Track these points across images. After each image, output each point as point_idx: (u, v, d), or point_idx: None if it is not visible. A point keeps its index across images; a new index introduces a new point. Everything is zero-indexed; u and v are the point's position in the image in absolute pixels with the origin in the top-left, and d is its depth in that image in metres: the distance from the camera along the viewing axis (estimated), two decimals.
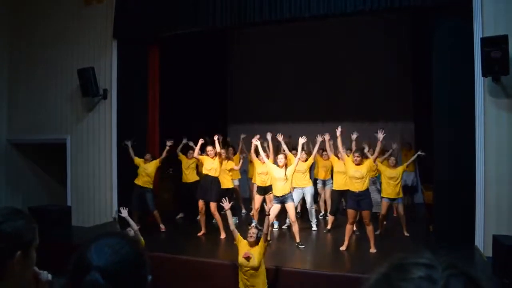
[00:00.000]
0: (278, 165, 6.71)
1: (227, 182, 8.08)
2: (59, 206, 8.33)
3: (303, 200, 7.99)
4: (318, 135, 7.20)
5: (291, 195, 6.72)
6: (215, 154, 7.30)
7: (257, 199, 7.55)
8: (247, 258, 4.85)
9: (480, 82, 6.19)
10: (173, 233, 7.91)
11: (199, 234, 7.39)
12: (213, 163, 7.29)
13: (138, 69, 8.56)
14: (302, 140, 6.81)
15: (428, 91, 7.53)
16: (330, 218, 7.74)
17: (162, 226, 7.86)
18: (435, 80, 6.75)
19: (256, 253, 4.87)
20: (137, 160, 7.96)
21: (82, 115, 8.95)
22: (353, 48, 10.94)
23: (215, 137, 7.34)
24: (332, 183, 8.03)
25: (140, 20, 8.17)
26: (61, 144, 9.12)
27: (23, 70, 9.50)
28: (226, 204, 5.33)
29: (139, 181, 7.86)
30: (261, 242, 4.91)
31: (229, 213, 5.41)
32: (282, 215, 7.48)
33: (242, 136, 9.00)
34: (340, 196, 7.48)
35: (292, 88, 11.72)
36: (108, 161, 8.64)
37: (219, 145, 7.34)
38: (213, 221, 7.89)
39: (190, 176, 8.63)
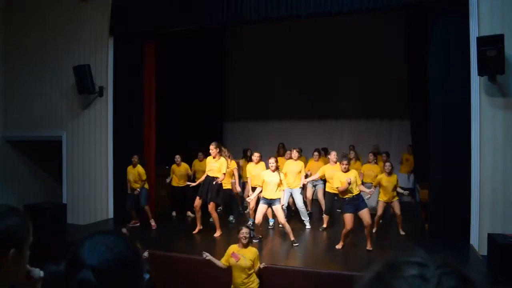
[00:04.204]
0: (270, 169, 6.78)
1: (227, 182, 8.01)
2: (54, 204, 8.31)
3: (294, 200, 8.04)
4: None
5: (279, 199, 6.73)
6: (217, 154, 7.23)
7: (253, 199, 7.59)
8: (237, 259, 4.85)
9: (476, 81, 6.21)
10: (168, 230, 7.90)
11: (195, 231, 7.39)
12: (214, 164, 7.22)
13: (135, 66, 8.53)
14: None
15: (424, 89, 7.55)
16: (325, 218, 7.76)
17: (152, 223, 7.80)
18: (431, 78, 6.77)
19: (248, 254, 4.86)
20: (128, 171, 7.92)
21: (78, 112, 8.92)
22: (350, 47, 10.96)
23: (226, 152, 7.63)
24: (322, 183, 8.11)
25: (137, 17, 8.15)
26: (56, 141, 9.09)
27: (19, 67, 9.45)
28: (206, 255, 5.06)
29: (134, 186, 7.85)
30: (257, 260, 4.91)
31: (213, 259, 5.07)
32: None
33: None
34: (333, 196, 7.50)
35: (289, 86, 11.73)
36: (104, 158, 8.62)
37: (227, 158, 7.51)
38: (210, 220, 7.90)
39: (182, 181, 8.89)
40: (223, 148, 7.90)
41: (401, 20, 10.14)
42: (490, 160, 6.14)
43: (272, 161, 6.76)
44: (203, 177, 7.39)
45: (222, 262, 4.95)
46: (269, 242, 6.96)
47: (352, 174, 6.30)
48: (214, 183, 7.13)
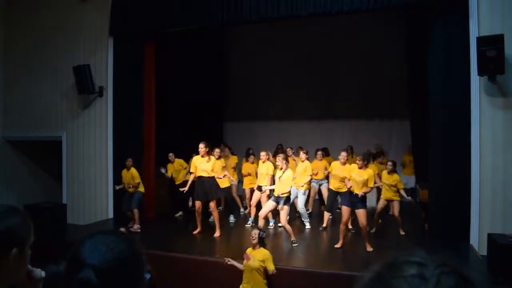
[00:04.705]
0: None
1: (223, 181, 7.98)
2: (54, 204, 8.30)
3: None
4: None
5: (286, 199, 6.75)
6: (207, 153, 7.22)
7: (255, 195, 7.64)
8: (247, 259, 4.89)
9: (476, 81, 6.21)
10: (168, 230, 7.90)
11: (195, 232, 7.38)
12: (207, 164, 7.23)
13: (134, 66, 8.54)
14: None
15: (424, 89, 7.55)
16: (325, 215, 7.77)
17: (137, 226, 7.63)
18: (431, 78, 6.78)
19: (258, 255, 4.89)
20: (122, 174, 7.83)
21: (78, 112, 8.92)
22: (350, 47, 10.96)
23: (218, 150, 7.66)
24: (327, 182, 8.12)
25: (137, 17, 8.16)
26: (56, 141, 9.09)
27: (19, 67, 9.46)
28: (228, 260, 5.16)
29: (129, 190, 7.80)
30: (269, 262, 4.91)
31: (234, 262, 5.15)
32: (279, 214, 7.50)
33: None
34: (335, 194, 7.51)
35: (289, 86, 11.73)
36: (104, 158, 8.62)
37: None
38: (210, 220, 7.89)
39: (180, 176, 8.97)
40: (219, 149, 7.95)
41: (401, 20, 10.14)
42: (490, 160, 6.14)
43: (278, 159, 6.87)
44: (191, 179, 7.34)
45: (242, 264, 5.06)
46: (269, 243, 6.93)
47: (366, 175, 6.32)
48: (221, 176, 7.23)
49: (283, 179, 6.72)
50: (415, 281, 0.65)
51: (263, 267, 4.87)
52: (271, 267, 4.89)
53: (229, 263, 5.11)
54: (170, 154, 8.91)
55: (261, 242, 5.06)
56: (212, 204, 7.17)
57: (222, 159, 8.27)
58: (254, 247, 5.02)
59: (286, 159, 6.94)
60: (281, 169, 6.79)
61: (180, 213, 9.00)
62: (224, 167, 7.99)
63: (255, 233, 5.03)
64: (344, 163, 7.31)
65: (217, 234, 7.20)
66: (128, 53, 8.52)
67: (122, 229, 7.39)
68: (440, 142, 6.56)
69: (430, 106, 6.83)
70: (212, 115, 12.06)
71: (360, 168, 6.37)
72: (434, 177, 6.72)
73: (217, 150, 7.89)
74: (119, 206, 8.04)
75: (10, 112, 9.56)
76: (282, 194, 6.67)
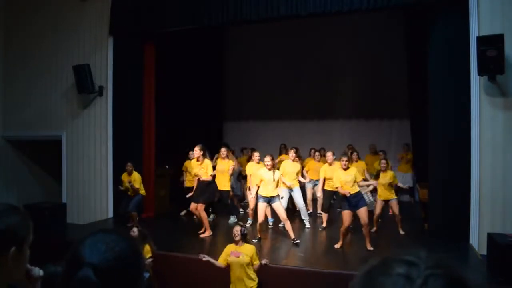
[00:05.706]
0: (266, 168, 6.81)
1: (223, 184, 7.91)
2: (54, 204, 8.30)
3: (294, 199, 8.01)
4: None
5: (278, 196, 6.74)
6: (201, 157, 7.22)
7: (253, 199, 7.59)
8: (237, 255, 4.88)
9: (476, 81, 6.21)
10: (168, 230, 7.90)
11: (201, 232, 7.37)
12: (199, 169, 7.21)
13: (134, 66, 8.54)
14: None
15: (424, 89, 7.55)
16: (324, 216, 7.75)
17: (135, 230, 7.62)
18: (431, 78, 6.77)
19: (245, 250, 4.89)
20: (123, 178, 7.81)
21: (77, 112, 8.91)
22: (350, 47, 10.96)
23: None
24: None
25: (136, 16, 8.16)
26: (56, 141, 9.09)
27: (18, 66, 9.45)
28: (203, 256, 5.09)
29: (129, 192, 7.79)
30: (255, 256, 4.91)
31: (211, 259, 5.06)
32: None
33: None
34: (331, 194, 7.50)
35: (288, 86, 11.73)
36: (103, 158, 8.61)
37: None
38: (209, 219, 7.87)
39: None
40: (225, 148, 7.94)
41: (401, 20, 10.14)
42: (489, 160, 6.14)
43: (267, 159, 6.76)
44: (196, 182, 7.39)
45: (220, 262, 4.99)
46: (269, 242, 6.95)
47: (352, 172, 6.30)
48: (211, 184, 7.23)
49: (272, 179, 6.67)
50: (400, 280, 0.64)
51: (251, 261, 4.88)
52: (257, 261, 4.91)
53: (204, 259, 5.02)
54: (191, 152, 8.75)
55: (244, 238, 5.03)
56: (198, 206, 7.16)
57: (230, 160, 8.16)
58: (237, 244, 4.97)
59: (272, 159, 6.87)
60: (270, 169, 6.73)
61: (185, 211, 8.90)
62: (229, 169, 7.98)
63: (237, 230, 4.98)
64: (331, 164, 7.39)
65: (206, 234, 7.18)
66: (128, 52, 8.51)
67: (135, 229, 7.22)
68: (440, 142, 6.56)
69: (430, 106, 6.82)
70: (212, 115, 12.06)
71: (346, 169, 6.34)
72: (434, 177, 6.72)
73: (223, 150, 7.90)
74: (119, 206, 8.03)
75: (10, 112, 9.55)
76: (272, 194, 6.66)
